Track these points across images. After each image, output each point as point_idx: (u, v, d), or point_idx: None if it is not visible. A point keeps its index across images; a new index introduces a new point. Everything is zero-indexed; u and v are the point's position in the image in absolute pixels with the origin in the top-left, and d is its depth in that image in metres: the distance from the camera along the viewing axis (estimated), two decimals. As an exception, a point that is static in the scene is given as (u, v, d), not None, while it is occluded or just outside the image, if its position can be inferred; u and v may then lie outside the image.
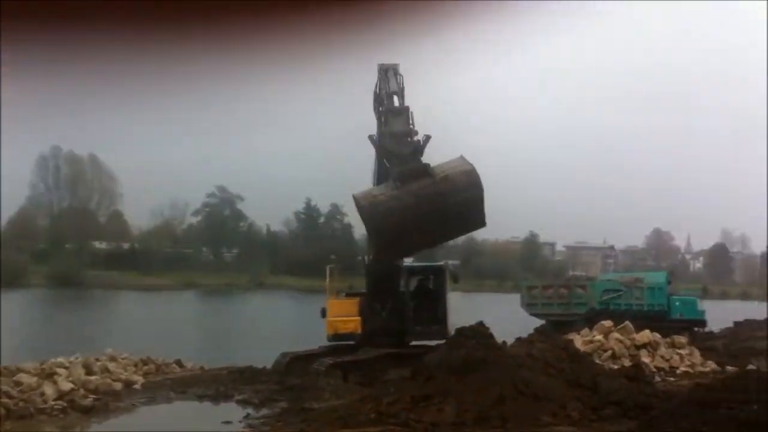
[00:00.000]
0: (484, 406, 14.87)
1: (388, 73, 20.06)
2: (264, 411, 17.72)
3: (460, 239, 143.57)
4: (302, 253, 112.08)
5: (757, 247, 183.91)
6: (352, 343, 22.78)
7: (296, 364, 22.83)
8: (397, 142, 17.95)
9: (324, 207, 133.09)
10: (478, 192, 18.13)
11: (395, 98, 19.70)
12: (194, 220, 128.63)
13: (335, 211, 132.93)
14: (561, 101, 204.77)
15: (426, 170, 17.40)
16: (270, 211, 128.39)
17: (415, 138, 18.20)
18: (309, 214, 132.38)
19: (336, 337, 22.59)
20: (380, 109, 20.39)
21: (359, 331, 22.57)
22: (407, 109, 19.03)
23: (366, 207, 16.91)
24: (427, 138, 18.10)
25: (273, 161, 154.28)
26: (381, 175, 20.37)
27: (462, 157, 18.27)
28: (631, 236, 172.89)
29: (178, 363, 25.15)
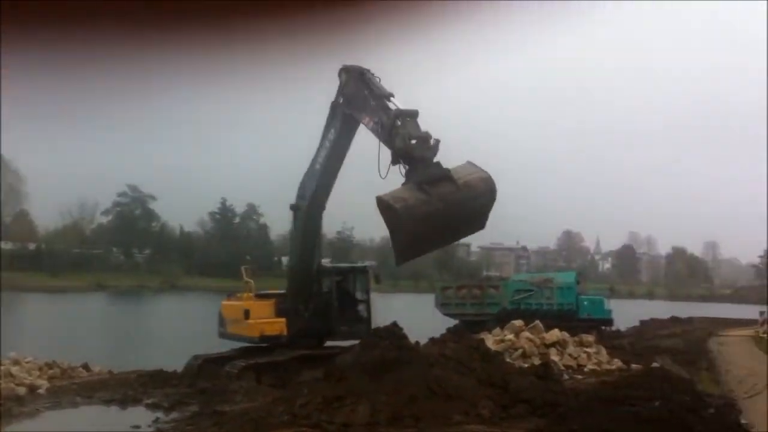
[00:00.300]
0: (397, 406, 14.94)
1: (365, 76, 20.07)
2: (174, 415, 17.40)
3: (376, 240, 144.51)
4: (217, 253, 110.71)
5: (663, 248, 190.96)
6: (265, 345, 22.62)
7: (208, 366, 22.55)
8: (419, 146, 17.89)
9: (240, 207, 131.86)
10: (493, 199, 18.41)
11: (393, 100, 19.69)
12: (104, 219, 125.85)
13: (251, 211, 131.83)
14: (469, 103, 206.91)
15: (449, 176, 17.53)
16: (184, 211, 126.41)
17: (433, 141, 18.25)
18: (224, 214, 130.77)
19: (263, 339, 22.31)
20: (346, 110, 20.56)
21: (285, 332, 22.45)
22: (418, 111, 19.26)
23: (401, 211, 16.74)
24: (437, 141, 18.28)
25: (187, 161, 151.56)
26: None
27: (471, 163, 18.40)
28: (543, 237, 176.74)
29: (85, 367, 24.51)
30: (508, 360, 22.39)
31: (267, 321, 22.43)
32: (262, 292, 23.84)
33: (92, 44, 4.94)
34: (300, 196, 22.43)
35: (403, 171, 17.76)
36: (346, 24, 5.06)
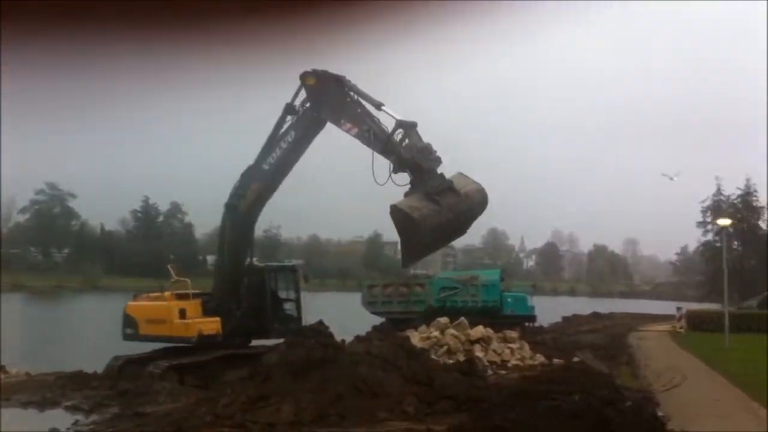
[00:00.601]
0: (322, 405, 14.93)
1: (344, 82, 20.53)
2: (94, 417, 16.96)
3: (304, 239, 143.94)
4: (140, 253, 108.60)
5: (585, 246, 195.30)
6: (189, 345, 22.27)
7: (129, 367, 22.07)
8: (426, 157, 18.71)
9: (163, 206, 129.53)
10: (484, 208, 19.66)
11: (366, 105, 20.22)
12: (21, 218, 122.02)
13: (175, 209, 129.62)
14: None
15: (453, 187, 18.59)
16: (105, 209, 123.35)
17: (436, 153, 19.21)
18: (147, 213, 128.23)
19: (201, 338, 21.91)
20: (321, 115, 20.79)
21: (220, 331, 22.15)
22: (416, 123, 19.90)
23: (419, 220, 17.73)
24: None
25: (109, 158, 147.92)
26: None
27: (462, 174, 19.40)
28: (470, 235, 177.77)
29: (2, 369, 23.70)
30: (433, 357, 22.60)
31: (203, 321, 22.06)
32: (181, 291, 23.41)
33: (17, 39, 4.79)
34: (238, 195, 22.20)
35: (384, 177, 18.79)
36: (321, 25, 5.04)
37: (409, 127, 19.55)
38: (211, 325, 22.04)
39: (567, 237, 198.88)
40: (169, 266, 24.55)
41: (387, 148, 19.28)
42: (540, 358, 25.18)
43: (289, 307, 23.98)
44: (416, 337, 25.17)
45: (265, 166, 21.68)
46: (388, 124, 19.84)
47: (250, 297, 23.19)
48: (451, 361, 22.08)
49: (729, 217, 52.31)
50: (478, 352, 24.70)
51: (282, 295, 24.18)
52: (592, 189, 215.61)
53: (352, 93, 20.31)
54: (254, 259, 24.25)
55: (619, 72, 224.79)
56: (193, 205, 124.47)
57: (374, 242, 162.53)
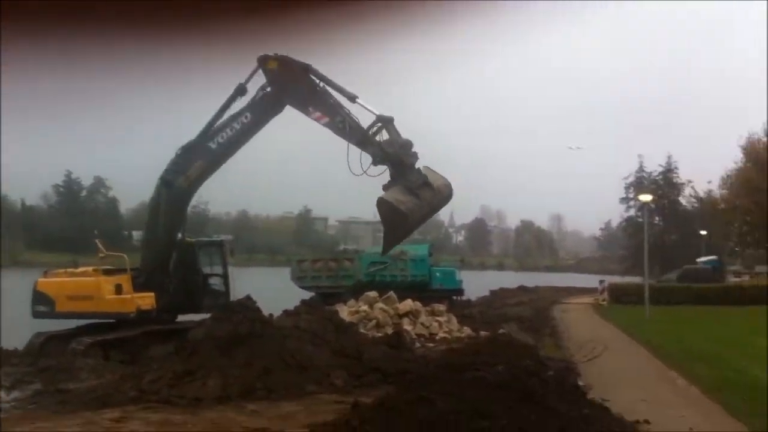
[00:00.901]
0: (249, 379, 14.88)
1: (312, 70, 20.40)
2: (15, 394, 16.54)
3: (233, 214, 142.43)
4: (62, 228, 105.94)
5: (512, 222, 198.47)
6: (112, 321, 21.89)
7: (52, 344, 21.57)
8: (406, 152, 19.44)
9: (86, 180, 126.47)
10: (449, 201, 20.76)
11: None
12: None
13: (99, 184, 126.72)
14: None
15: (428, 182, 19.42)
16: (26, 183, 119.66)
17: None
18: (69, 187, 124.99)
19: (140, 313, 21.52)
20: (284, 100, 20.86)
21: (155, 306, 21.85)
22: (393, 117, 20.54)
23: (407, 213, 18.74)
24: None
25: (30, 131, 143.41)
26: None
27: (429, 168, 19.89)
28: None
29: None
30: (362, 330, 22.74)
31: (139, 296, 21.64)
32: (108, 267, 22.94)
33: None
34: (177, 171, 21.83)
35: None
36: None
37: (387, 122, 20.06)
38: (147, 300, 21.72)
39: (495, 213, 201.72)
40: (96, 241, 24.02)
41: (365, 141, 19.84)
42: (467, 331, 25.57)
43: (216, 282, 23.80)
44: (345, 312, 25.26)
45: (213, 146, 21.50)
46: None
47: (181, 272, 22.96)
48: (380, 335, 22.26)
49: (650, 193, 53.64)
50: (407, 325, 24.93)
51: (209, 270, 23.99)
52: (520, 166, 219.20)
53: (320, 82, 20.47)
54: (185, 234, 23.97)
55: (547, 48, 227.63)
56: (116, 180, 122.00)
57: (304, 218, 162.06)
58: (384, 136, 19.92)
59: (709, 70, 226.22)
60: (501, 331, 24.14)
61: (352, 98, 20.09)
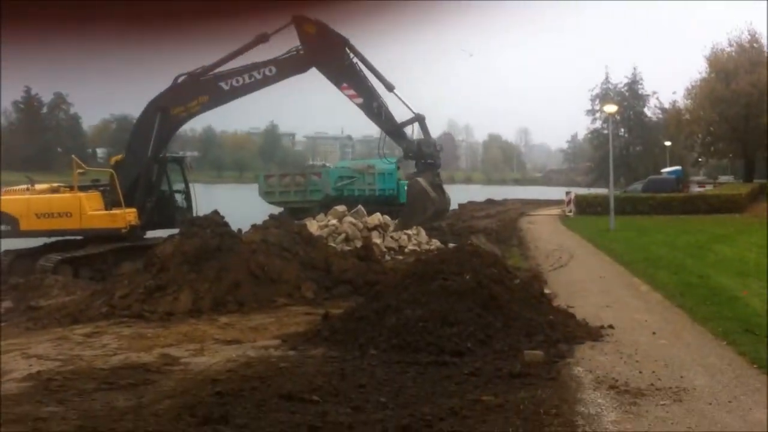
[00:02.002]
0: (219, 293, 14.97)
1: (355, 48, 21.27)
2: (-15, 312, 16.53)
3: (198, 131, 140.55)
4: (24, 147, 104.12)
5: (480, 136, 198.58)
6: (79, 238, 21.80)
7: (20, 262, 21.50)
8: (437, 153, 21.73)
9: (46, 96, 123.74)
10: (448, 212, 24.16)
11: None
12: None
13: (59, 100, 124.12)
14: None
15: (442, 186, 22.30)
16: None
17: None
18: (29, 103, 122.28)
19: (130, 229, 21.66)
20: (317, 67, 21.46)
21: (139, 222, 21.91)
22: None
23: (434, 199, 20.96)
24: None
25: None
26: None
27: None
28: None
29: None
30: (331, 244, 22.84)
31: (127, 211, 21.54)
32: (84, 184, 22.79)
33: None
34: (175, 100, 21.95)
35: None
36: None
37: (422, 120, 21.74)
38: (132, 216, 21.70)
39: (463, 127, 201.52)
40: (73, 157, 23.79)
41: (398, 133, 21.63)
42: (436, 243, 25.73)
43: (182, 198, 23.94)
44: (314, 226, 25.27)
45: (225, 86, 21.67)
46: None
47: (156, 189, 23.12)
48: (349, 249, 22.37)
49: (615, 104, 53.79)
50: (376, 239, 25.03)
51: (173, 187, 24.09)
52: (487, 80, 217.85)
53: (358, 61, 20.73)
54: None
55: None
56: (78, 96, 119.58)
57: (271, 134, 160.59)
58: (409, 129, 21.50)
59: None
60: (468, 242, 24.35)
61: (390, 87, 20.78)
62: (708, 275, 18.19)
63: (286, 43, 21.40)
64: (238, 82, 21.33)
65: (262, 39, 21.08)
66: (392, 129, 21.10)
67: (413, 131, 21.92)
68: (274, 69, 21.25)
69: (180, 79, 21.87)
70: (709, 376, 9.46)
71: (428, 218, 20.32)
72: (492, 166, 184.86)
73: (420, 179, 20.56)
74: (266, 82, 21.43)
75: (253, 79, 21.29)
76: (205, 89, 21.71)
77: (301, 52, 20.95)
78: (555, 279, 19.10)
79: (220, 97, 21.73)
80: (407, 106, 21.23)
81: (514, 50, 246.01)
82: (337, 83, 20.85)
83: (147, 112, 22.19)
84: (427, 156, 20.83)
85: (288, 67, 21.30)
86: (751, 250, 23.37)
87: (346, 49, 20.69)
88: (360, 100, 20.77)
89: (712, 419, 7.77)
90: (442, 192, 21.26)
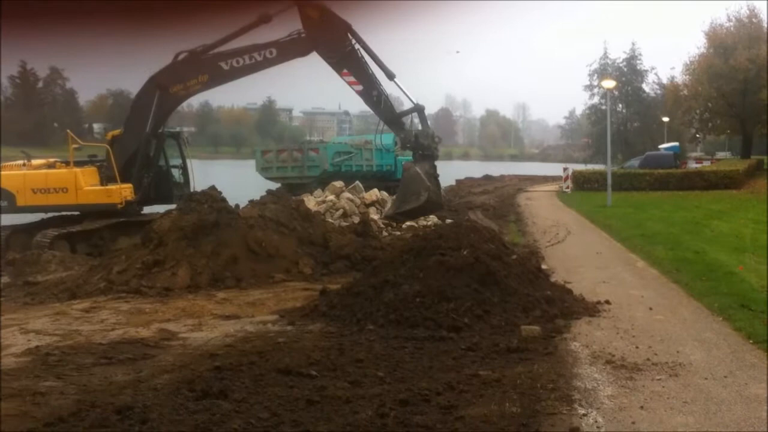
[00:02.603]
0: (217, 268, 14.99)
1: (357, 35, 20.67)
2: (-18, 288, 16.55)
3: (195, 107, 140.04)
4: (20, 122, 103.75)
5: (477, 111, 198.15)
6: (76, 213, 21.77)
7: (17, 237, 21.48)
8: (435, 145, 21.25)
9: (42, 71, 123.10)
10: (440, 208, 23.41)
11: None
12: None
13: (55, 75, 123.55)
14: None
15: (437, 179, 21.39)
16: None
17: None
18: (25, 78, 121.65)
19: (127, 204, 21.66)
20: (318, 52, 20.90)
21: (135, 197, 21.92)
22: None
23: (428, 187, 20.26)
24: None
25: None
26: None
27: None
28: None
29: None
30: (329, 220, 22.87)
31: (123, 187, 21.51)
32: (80, 160, 22.70)
33: None
34: (174, 77, 21.78)
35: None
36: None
37: (421, 110, 21.64)
38: (128, 191, 21.67)
39: (460, 102, 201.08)
40: (68, 131, 23.67)
41: (397, 123, 21.41)
42: (434, 219, 25.76)
43: (176, 173, 23.95)
44: (312, 202, 25.29)
45: (225, 66, 21.39)
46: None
47: (154, 165, 23.08)
48: (347, 224, 22.40)
49: (614, 80, 53.60)
50: (373, 214, 25.06)
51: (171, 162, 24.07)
52: (484, 54, 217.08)
53: (357, 45, 20.70)
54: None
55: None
56: (74, 71, 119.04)
57: (268, 109, 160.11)
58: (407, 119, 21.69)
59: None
60: (466, 218, 24.39)
61: (391, 76, 20.92)
62: (704, 251, 18.23)
63: (287, 25, 21.35)
64: (238, 62, 21.25)
65: (265, 20, 20.97)
66: (391, 118, 21.24)
67: (411, 122, 21.95)
68: (275, 51, 21.17)
69: (180, 57, 21.76)
70: (705, 351, 9.51)
71: (421, 207, 20.22)
72: (489, 142, 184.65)
73: (416, 166, 20.55)
74: (266, 63, 21.34)
75: (253, 61, 21.20)
76: (205, 68, 21.65)
77: (303, 35, 20.88)
78: (552, 255, 19.15)
79: (219, 77, 21.66)
80: (407, 95, 21.33)
81: (512, 25, 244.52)
82: (338, 69, 20.83)
83: (146, 88, 22.09)
84: (424, 147, 20.77)
85: (289, 50, 21.22)
86: (748, 226, 23.42)
87: (348, 35, 20.64)
88: (360, 88, 20.80)
89: (708, 394, 7.81)
90: (437, 185, 21.13)
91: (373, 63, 20.86)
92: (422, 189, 19.98)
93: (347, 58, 20.68)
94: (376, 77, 20.89)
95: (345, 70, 20.80)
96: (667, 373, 8.55)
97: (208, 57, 21.63)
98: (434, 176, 20.67)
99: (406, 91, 21.12)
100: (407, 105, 21.43)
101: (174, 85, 21.70)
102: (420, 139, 20.82)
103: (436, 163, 21.28)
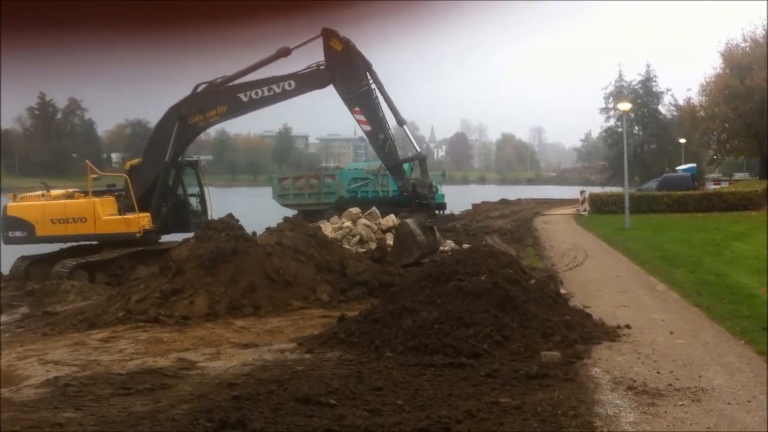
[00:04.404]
0: (235, 296, 14.99)
1: (376, 78, 21.23)
2: (3, 318, 16.65)
3: (212, 134, 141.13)
4: (39, 152, 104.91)
5: (493, 135, 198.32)
6: (95, 243, 21.90)
7: (36, 267, 21.64)
8: (431, 194, 21.86)
9: (61, 102, 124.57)
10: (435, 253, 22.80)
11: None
12: None
13: (74, 106, 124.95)
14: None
15: (434, 229, 21.99)
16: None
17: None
18: (44, 110, 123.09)
19: (146, 234, 21.84)
20: (342, 91, 21.33)
21: (152, 226, 22.15)
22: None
23: (420, 243, 20.54)
24: None
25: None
26: None
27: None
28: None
29: None
30: (346, 246, 22.87)
31: (141, 216, 21.68)
32: (98, 189, 22.89)
33: None
34: (195, 108, 22.11)
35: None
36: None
37: (422, 160, 22.06)
38: (146, 220, 21.84)
39: (476, 127, 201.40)
40: (87, 162, 23.91)
41: (398, 170, 21.92)
42: (450, 244, 25.72)
43: (194, 202, 24.13)
44: (328, 228, 25.34)
45: (243, 98, 21.76)
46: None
47: (173, 193, 23.38)
48: (364, 251, 22.39)
49: (629, 102, 53.48)
50: (390, 240, 25.04)
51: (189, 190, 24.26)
52: (500, 79, 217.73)
53: (376, 88, 21.09)
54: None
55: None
56: (92, 101, 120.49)
57: (284, 136, 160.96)
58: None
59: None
60: (483, 242, 24.32)
61: (402, 122, 21.49)
62: (725, 273, 18.06)
63: (305, 57, 21.67)
64: (257, 94, 21.51)
65: (284, 53, 21.27)
66: (393, 164, 21.59)
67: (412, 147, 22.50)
68: (293, 83, 21.40)
69: (200, 88, 22.05)
70: (728, 375, 9.38)
71: (416, 260, 20.35)
72: (506, 166, 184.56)
73: (409, 221, 20.74)
74: (285, 95, 21.58)
75: (271, 92, 21.45)
76: (224, 99, 21.93)
77: (322, 67, 21.10)
78: (571, 279, 19.02)
79: (238, 108, 21.92)
80: (412, 143, 22.00)
81: (527, 49, 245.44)
82: (351, 106, 21.05)
83: (166, 118, 22.36)
84: (421, 197, 21.09)
85: (307, 82, 21.47)
86: (769, 248, 23.18)
87: (367, 74, 20.88)
88: (368, 128, 21.06)
89: (731, 419, 7.70)
90: (433, 234, 21.40)
91: (385, 105, 21.16)
92: (414, 247, 20.31)
93: (362, 96, 20.89)
94: (386, 120, 21.17)
95: (357, 108, 21.00)
96: (689, 399, 8.43)
97: (227, 88, 21.87)
98: (429, 227, 20.90)
99: (412, 140, 21.70)
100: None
101: (194, 115, 21.93)
102: (418, 189, 21.18)
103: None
